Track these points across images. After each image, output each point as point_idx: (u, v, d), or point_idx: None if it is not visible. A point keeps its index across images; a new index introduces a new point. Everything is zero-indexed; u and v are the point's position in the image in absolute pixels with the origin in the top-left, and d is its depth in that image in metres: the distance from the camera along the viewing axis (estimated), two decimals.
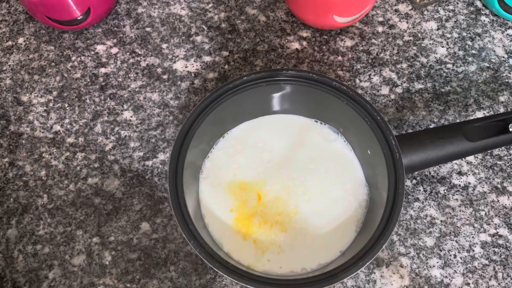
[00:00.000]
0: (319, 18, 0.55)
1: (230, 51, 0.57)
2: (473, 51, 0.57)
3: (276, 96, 0.49)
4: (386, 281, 0.47)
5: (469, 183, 0.51)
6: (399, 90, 0.55)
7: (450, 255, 0.48)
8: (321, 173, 0.48)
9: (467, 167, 0.51)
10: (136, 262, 0.48)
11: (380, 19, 0.59)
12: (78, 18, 0.55)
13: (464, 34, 0.58)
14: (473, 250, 0.48)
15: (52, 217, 0.50)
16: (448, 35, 0.58)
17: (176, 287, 0.47)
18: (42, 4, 0.53)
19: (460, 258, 0.48)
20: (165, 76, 0.56)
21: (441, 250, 0.48)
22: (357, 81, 0.56)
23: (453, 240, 0.48)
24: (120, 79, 0.56)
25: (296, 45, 0.58)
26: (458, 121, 0.53)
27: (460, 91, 0.55)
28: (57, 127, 0.54)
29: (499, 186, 0.51)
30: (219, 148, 0.50)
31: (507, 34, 0.58)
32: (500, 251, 0.48)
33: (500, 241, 0.48)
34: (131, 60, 0.57)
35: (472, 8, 0.60)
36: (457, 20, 0.59)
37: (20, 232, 0.49)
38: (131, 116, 0.54)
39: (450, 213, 0.49)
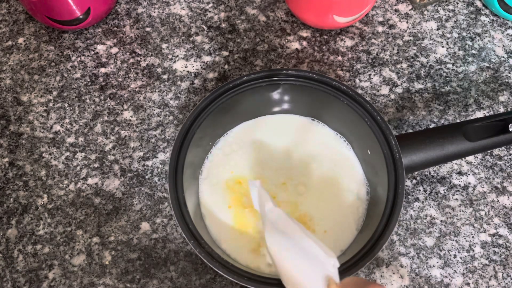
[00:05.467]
0: (319, 18, 0.55)
1: (230, 51, 0.57)
2: (473, 51, 0.57)
3: (276, 96, 0.49)
4: (386, 281, 0.47)
5: (469, 183, 0.51)
6: (399, 90, 0.55)
7: (450, 255, 0.48)
8: (321, 172, 0.48)
9: (467, 167, 0.51)
10: (136, 262, 0.48)
11: (380, 19, 0.59)
12: (78, 18, 0.55)
13: (464, 34, 0.58)
14: (473, 250, 0.48)
15: (52, 217, 0.50)
16: (448, 35, 0.58)
17: (176, 287, 0.47)
18: (42, 4, 0.53)
19: (460, 258, 0.48)
20: (165, 76, 0.56)
21: (441, 250, 0.48)
22: (357, 81, 0.56)
23: (453, 240, 0.48)
24: (120, 79, 0.56)
25: (296, 45, 0.58)
26: (458, 121, 0.53)
27: (460, 91, 0.55)
28: (57, 127, 0.54)
29: (499, 186, 0.51)
30: (218, 147, 0.50)
31: (507, 34, 0.58)
32: (500, 251, 0.48)
33: (500, 241, 0.48)
34: (131, 60, 0.57)
35: (472, 8, 0.60)
36: (457, 20, 0.59)
37: (20, 232, 0.49)
38: (131, 116, 0.54)
39: (450, 213, 0.49)
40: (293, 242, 0.36)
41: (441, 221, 0.49)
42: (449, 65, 0.56)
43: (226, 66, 0.57)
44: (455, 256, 0.48)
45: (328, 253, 0.35)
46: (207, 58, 0.57)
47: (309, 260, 0.35)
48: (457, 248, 0.48)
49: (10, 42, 0.58)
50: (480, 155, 0.52)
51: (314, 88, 0.47)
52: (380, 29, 0.58)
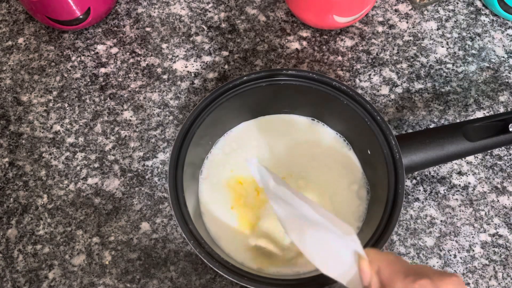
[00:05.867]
0: (319, 18, 0.55)
1: (230, 51, 0.57)
2: (473, 51, 0.57)
3: (276, 96, 0.49)
4: None
5: (469, 183, 0.51)
6: (399, 90, 0.55)
7: (450, 255, 0.48)
8: (321, 170, 0.48)
9: (467, 167, 0.51)
10: (136, 262, 0.48)
11: (380, 19, 0.59)
12: (78, 18, 0.55)
13: (464, 34, 0.58)
14: (473, 250, 0.48)
15: (52, 217, 0.50)
16: (448, 35, 0.58)
17: (176, 287, 0.47)
18: (42, 4, 0.53)
19: (460, 258, 0.48)
20: (165, 76, 0.56)
21: (441, 250, 0.48)
22: (357, 81, 0.56)
23: (453, 240, 0.48)
24: (120, 79, 0.56)
25: (296, 45, 0.58)
26: (458, 121, 0.53)
27: (460, 91, 0.55)
28: (57, 127, 0.54)
29: (499, 186, 0.51)
30: (218, 147, 0.50)
31: (507, 34, 0.58)
32: (500, 251, 0.48)
33: (500, 241, 0.48)
34: (131, 60, 0.57)
35: (472, 8, 0.60)
36: (457, 20, 0.59)
37: (20, 232, 0.49)
38: (131, 116, 0.54)
39: (450, 213, 0.49)
40: (307, 222, 0.34)
41: (441, 221, 0.49)
42: (449, 65, 0.56)
43: (226, 66, 0.57)
44: (455, 256, 0.48)
45: (344, 230, 0.33)
46: (207, 58, 0.57)
47: (329, 238, 0.33)
48: (457, 248, 0.48)
49: (10, 42, 0.58)
50: (480, 155, 0.52)
51: (314, 88, 0.47)
52: (380, 29, 0.58)
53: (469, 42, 0.58)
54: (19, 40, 0.59)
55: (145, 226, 0.49)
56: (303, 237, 0.35)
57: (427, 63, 0.57)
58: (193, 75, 0.56)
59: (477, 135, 0.44)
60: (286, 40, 0.58)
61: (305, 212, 0.35)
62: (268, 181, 0.38)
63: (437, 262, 0.47)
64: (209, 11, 0.60)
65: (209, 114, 0.46)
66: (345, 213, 0.47)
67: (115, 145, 0.53)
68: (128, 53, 0.57)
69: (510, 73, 0.56)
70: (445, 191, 0.50)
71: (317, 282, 0.39)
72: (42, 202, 0.50)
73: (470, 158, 0.52)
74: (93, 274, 0.47)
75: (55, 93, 0.56)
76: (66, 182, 0.51)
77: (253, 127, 0.51)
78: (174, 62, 0.57)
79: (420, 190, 0.50)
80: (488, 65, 0.56)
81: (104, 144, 0.53)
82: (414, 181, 0.51)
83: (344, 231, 0.33)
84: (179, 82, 0.56)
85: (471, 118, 0.53)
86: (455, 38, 0.58)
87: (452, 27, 0.59)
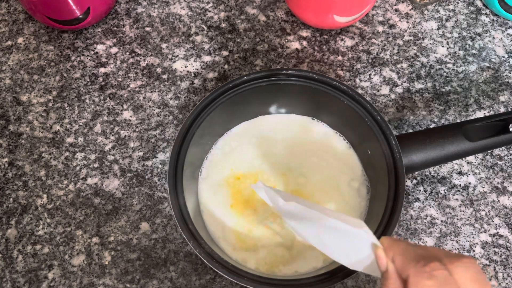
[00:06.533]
0: (319, 18, 0.55)
1: (230, 51, 0.57)
2: (474, 51, 0.57)
3: (276, 96, 0.49)
4: None
5: (470, 183, 0.51)
6: (399, 90, 0.55)
7: None
8: (320, 166, 0.48)
9: (467, 167, 0.51)
10: (136, 262, 0.48)
11: (380, 18, 0.59)
12: (78, 17, 0.55)
13: (465, 33, 0.58)
14: (474, 250, 0.48)
15: (52, 217, 0.50)
16: (449, 35, 0.58)
17: (176, 287, 0.47)
18: (42, 3, 0.53)
19: None
20: (164, 76, 0.56)
21: None
22: (357, 80, 0.55)
23: (454, 240, 0.48)
24: (119, 79, 0.56)
25: (296, 45, 0.57)
26: (458, 121, 0.53)
27: (460, 91, 0.55)
28: (56, 127, 0.54)
29: (499, 186, 0.51)
30: (218, 147, 0.50)
31: (508, 33, 0.58)
32: (501, 251, 0.48)
33: (501, 241, 0.48)
34: (131, 60, 0.57)
35: (472, 8, 0.60)
36: (457, 19, 0.59)
37: (19, 232, 0.49)
38: (131, 116, 0.54)
39: (450, 213, 0.49)
40: (322, 227, 0.37)
41: (442, 221, 0.49)
42: (450, 65, 0.56)
43: (226, 66, 0.56)
44: None
45: (356, 224, 0.35)
46: (207, 58, 0.57)
47: (345, 236, 0.36)
48: (458, 248, 0.48)
49: (9, 42, 0.58)
50: (480, 155, 0.52)
51: (314, 88, 0.47)
52: (380, 29, 0.58)
53: (469, 42, 0.58)
54: (18, 40, 0.58)
55: (144, 226, 0.49)
56: (321, 241, 0.37)
57: (428, 63, 0.56)
58: (193, 75, 0.56)
59: (477, 135, 0.44)
60: (286, 40, 0.58)
61: (317, 220, 0.37)
62: (277, 200, 0.40)
63: None
64: (209, 11, 0.60)
65: (209, 114, 0.46)
66: (346, 209, 0.47)
67: (115, 145, 0.53)
68: (127, 53, 0.57)
69: (510, 73, 0.56)
70: (446, 191, 0.50)
71: (317, 282, 0.39)
72: (42, 202, 0.50)
73: (471, 158, 0.52)
74: (93, 274, 0.47)
75: (54, 93, 0.55)
76: (65, 182, 0.51)
77: (253, 127, 0.51)
78: (174, 62, 0.57)
79: (420, 190, 0.50)
80: (488, 65, 0.56)
81: (103, 144, 0.53)
82: (414, 181, 0.51)
83: (356, 226, 0.35)
84: (179, 82, 0.56)
85: (472, 118, 0.53)
86: (456, 38, 0.58)
87: (452, 27, 0.59)
